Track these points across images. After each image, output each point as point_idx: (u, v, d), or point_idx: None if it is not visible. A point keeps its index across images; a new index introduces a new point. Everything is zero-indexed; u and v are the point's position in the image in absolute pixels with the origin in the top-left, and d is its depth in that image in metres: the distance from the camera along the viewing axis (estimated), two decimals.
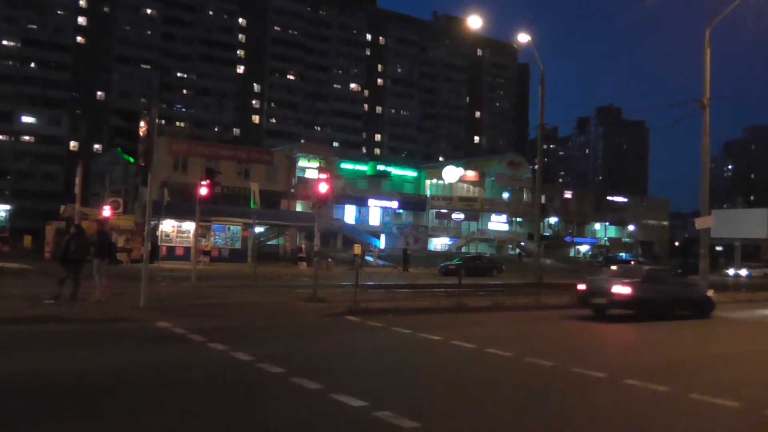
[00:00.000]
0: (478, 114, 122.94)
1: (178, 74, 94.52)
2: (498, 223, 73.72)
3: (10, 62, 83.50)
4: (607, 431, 6.07)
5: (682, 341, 12.87)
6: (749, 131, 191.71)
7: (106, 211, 34.72)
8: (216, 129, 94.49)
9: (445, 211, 69.62)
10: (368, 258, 50.21)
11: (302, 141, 74.73)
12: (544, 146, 44.51)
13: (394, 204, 67.36)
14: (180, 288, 19.63)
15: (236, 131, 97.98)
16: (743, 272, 50.94)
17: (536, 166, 47.68)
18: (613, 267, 21.47)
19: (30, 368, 7.60)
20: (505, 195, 75.81)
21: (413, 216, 69.10)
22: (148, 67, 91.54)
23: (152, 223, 24.20)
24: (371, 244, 60.12)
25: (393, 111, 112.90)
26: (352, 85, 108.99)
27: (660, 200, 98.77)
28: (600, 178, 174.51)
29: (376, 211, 67.14)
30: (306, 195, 52.90)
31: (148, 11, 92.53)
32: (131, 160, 14.28)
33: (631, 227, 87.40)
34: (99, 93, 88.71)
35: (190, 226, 40.02)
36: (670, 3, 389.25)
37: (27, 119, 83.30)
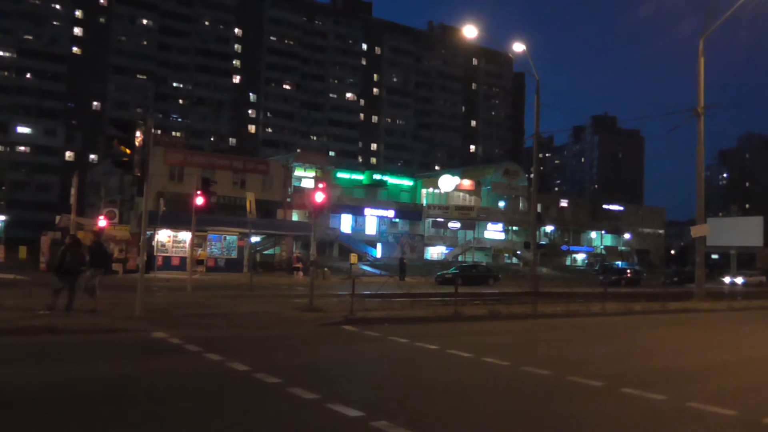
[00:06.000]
0: (473, 123, 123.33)
1: (174, 84, 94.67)
2: (494, 231, 73.78)
3: (6, 73, 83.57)
4: None
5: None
6: (744, 140, 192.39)
7: (102, 222, 34.70)
8: (212, 139, 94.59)
9: (442, 219, 69.68)
10: (363, 266, 50.22)
11: (298, 150, 74.83)
12: (540, 155, 44.70)
13: (391, 213, 67.38)
14: (176, 298, 19.56)
15: (232, 141, 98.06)
16: (739, 280, 51.03)
17: (532, 175, 47.83)
18: None
19: (24, 379, 7.56)
20: (501, 204, 75.88)
21: (409, 225, 69.11)
22: (144, 77, 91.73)
23: (148, 233, 24.16)
24: (368, 253, 60.11)
25: (389, 120, 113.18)
26: (348, 95, 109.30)
27: (656, 209, 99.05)
28: (596, 186, 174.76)
29: (372, 220, 67.14)
30: (302, 204, 52.87)
31: (144, 21, 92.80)
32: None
33: (627, 235, 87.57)
34: (95, 103, 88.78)
35: (186, 236, 40.00)
36: (665, 13, 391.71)
37: (22, 129, 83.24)
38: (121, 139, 13.80)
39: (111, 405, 6.44)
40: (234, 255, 45.02)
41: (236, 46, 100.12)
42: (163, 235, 41.97)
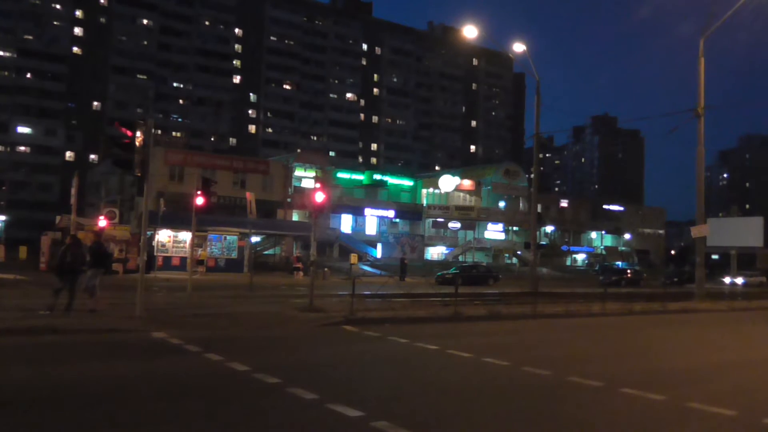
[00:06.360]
0: (473, 123, 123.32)
1: (174, 84, 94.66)
2: (494, 231, 73.77)
3: (6, 73, 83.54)
4: None
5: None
6: (744, 140, 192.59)
7: (102, 222, 34.67)
8: (212, 139, 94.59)
9: (442, 220, 69.66)
10: (363, 267, 50.24)
11: (298, 150, 74.81)
12: (540, 155, 44.68)
13: (391, 213, 67.38)
14: (176, 298, 19.56)
15: (232, 141, 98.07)
16: (739, 280, 51.00)
17: (532, 175, 47.83)
18: None
19: (24, 380, 7.56)
20: (502, 204, 75.88)
21: (410, 225, 69.12)
22: (144, 77, 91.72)
23: (148, 233, 24.17)
24: (368, 253, 60.09)
25: (389, 120, 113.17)
26: (348, 95, 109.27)
27: (656, 209, 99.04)
28: (596, 186, 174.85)
29: (372, 220, 67.15)
30: (302, 204, 52.87)
31: (144, 22, 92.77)
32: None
33: (627, 236, 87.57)
34: (95, 103, 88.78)
35: (186, 236, 40.03)
36: (666, 13, 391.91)
37: (23, 129, 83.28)
38: (121, 140, 13.80)
39: (111, 405, 6.43)
40: (234, 255, 45.03)
41: (236, 46, 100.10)
42: (164, 235, 41.97)
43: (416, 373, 9.07)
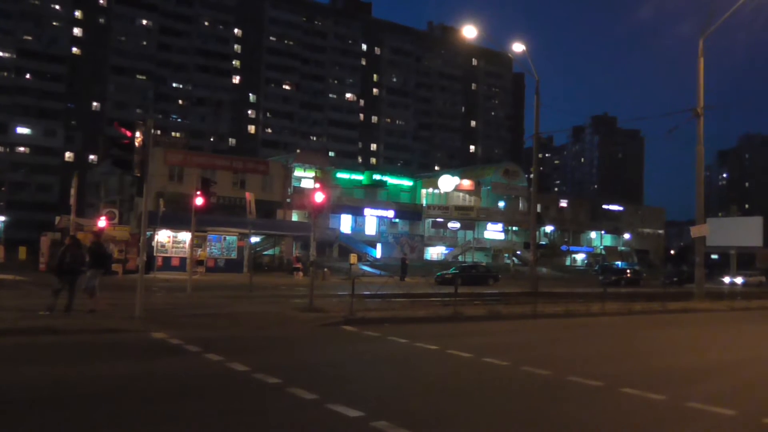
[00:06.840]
0: (473, 123, 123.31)
1: (174, 84, 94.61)
2: (494, 231, 73.77)
3: (6, 73, 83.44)
4: None
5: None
6: (743, 140, 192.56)
7: (102, 222, 34.65)
8: (212, 139, 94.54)
9: (441, 220, 69.65)
10: (363, 267, 50.25)
11: (298, 151, 74.78)
12: (540, 155, 44.70)
13: (390, 213, 67.35)
14: (175, 298, 19.56)
15: (232, 141, 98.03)
16: (738, 280, 51.01)
17: (532, 175, 47.84)
18: None
19: (24, 380, 7.56)
20: (501, 204, 75.88)
21: (409, 225, 69.10)
22: (144, 77, 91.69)
23: (148, 233, 24.15)
24: (367, 253, 60.08)
25: (389, 120, 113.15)
26: (348, 95, 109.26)
27: (655, 209, 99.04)
28: (595, 186, 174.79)
29: (372, 220, 67.12)
30: (302, 204, 52.85)
31: (144, 22, 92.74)
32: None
33: (626, 236, 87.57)
34: (94, 104, 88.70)
35: (185, 237, 40.04)
36: (665, 13, 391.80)
37: (22, 130, 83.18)
38: (120, 139, 13.79)
39: (111, 405, 6.43)
40: (234, 255, 45.03)
41: (236, 46, 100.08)
42: (163, 236, 41.97)
43: (416, 373, 9.07)
